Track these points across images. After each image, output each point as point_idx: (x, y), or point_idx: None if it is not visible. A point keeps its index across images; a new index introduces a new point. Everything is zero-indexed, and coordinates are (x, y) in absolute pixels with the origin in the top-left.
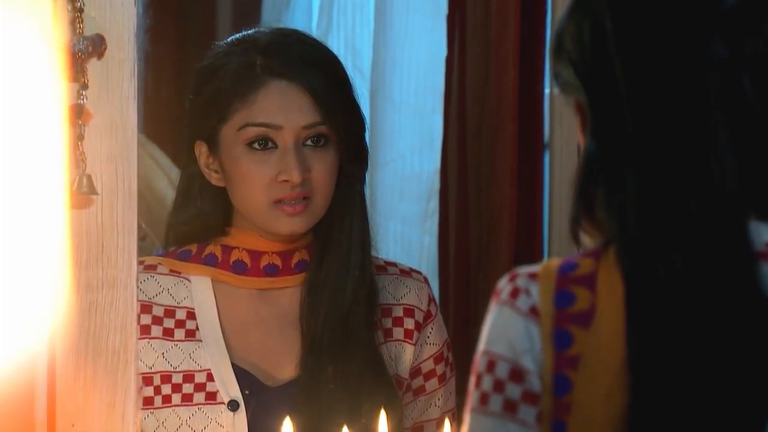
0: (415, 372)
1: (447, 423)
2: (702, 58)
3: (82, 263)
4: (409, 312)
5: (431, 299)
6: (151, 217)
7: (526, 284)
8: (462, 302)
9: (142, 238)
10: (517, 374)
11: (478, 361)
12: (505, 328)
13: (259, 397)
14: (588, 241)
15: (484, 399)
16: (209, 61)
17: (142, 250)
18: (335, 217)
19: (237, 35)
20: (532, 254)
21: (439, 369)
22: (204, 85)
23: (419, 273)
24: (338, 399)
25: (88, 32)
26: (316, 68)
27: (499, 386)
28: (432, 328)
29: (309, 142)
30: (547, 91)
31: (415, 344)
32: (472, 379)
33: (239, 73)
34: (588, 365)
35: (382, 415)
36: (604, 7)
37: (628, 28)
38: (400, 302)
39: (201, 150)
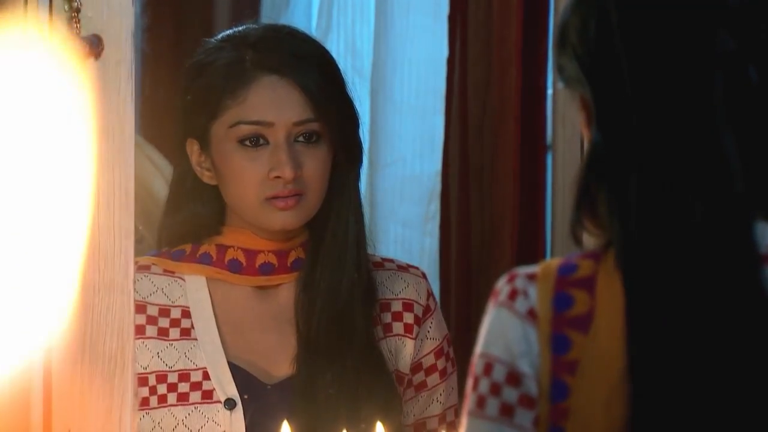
0: (416, 367)
1: None
2: (709, 52)
3: (79, 266)
4: (408, 306)
5: (430, 294)
6: (148, 219)
7: (525, 285)
8: (463, 305)
9: (139, 241)
10: (514, 378)
11: (476, 363)
12: (503, 331)
13: (255, 395)
14: (590, 241)
15: (481, 402)
16: (199, 57)
17: (140, 253)
18: (330, 215)
19: (227, 31)
20: (535, 256)
21: (440, 364)
22: (194, 82)
23: (417, 268)
24: (335, 395)
25: (85, 33)
26: (307, 63)
27: (496, 389)
28: (432, 323)
29: (301, 139)
30: (549, 91)
31: (415, 339)
32: (470, 381)
33: (229, 69)
34: (586, 371)
35: (379, 427)
36: (610, 1)
37: (634, 22)
38: (399, 297)
39: (192, 148)
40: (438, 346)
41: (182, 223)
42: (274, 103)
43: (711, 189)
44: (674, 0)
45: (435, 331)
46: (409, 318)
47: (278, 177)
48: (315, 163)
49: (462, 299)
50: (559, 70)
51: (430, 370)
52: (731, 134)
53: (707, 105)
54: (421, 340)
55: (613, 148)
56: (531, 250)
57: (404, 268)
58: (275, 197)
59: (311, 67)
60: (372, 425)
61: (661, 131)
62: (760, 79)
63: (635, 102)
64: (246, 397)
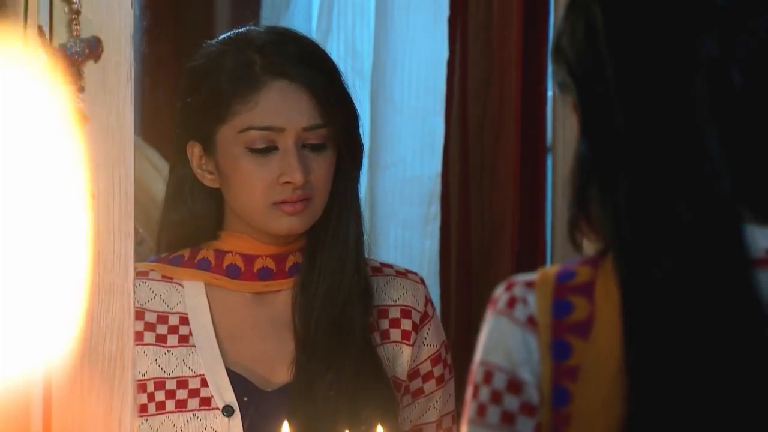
0: (413, 374)
1: None
2: (693, 56)
3: (79, 268)
4: (406, 313)
5: (428, 300)
6: (148, 222)
7: (524, 293)
8: (464, 308)
9: (139, 243)
10: (515, 386)
11: (475, 371)
12: (503, 339)
13: (254, 401)
14: (589, 245)
15: (481, 410)
16: (202, 60)
17: (139, 255)
18: (330, 218)
19: (229, 34)
20: (535, 258)
21: (437, 370)
22: (198, 86)
23: (415, 274)
24: (334, 400)
25: (84, 34)
26: (314, 67)
27: (496, 398)
28: (429, 329)
29: (309, 144)
30: (549, 93)
31: (412, 345)
32: (469, 390)
33: (237, 73)
34: (587, 376)
35: (380, 430)
36: (596, 6)
37: (619, 26)
38: (397, 303)
39: (194, 150)
40: (435, 352)
41: (180, 226)
42: (285, 108)
43: (697, 190)
44: (659, 4)
45: (432, 337)
46: (406, 325)
47: (288, 182)
48: (322, 168)
49: (462, 301)
50: (553, 75)
51: (427, 377)
52: (716, 136)
53: (691, 107)
54: (419, 346)
55: (600, 151)
56: (531, 251)
57: (402, 274)
58: (283, 202)
59: (318, 71)
60: (372, 428)
61: (647, 134)
62: (745, 82)
63: (620, 105)
64: (244, 404)
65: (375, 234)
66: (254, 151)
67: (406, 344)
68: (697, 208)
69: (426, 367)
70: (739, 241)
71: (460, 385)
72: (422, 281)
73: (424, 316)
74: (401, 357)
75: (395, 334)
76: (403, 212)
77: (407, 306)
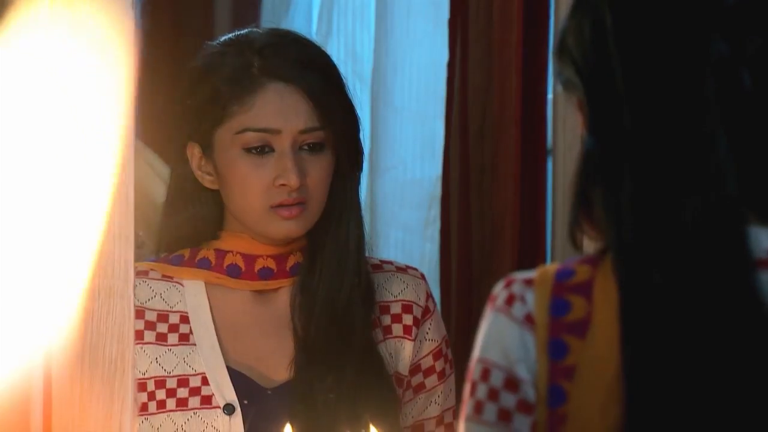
0: (415, 369)
1: None
2: (702, 56)
3: (79, 271)
4: (407, 308)
5: (429, 295)
6: (148, 225)
7: (522, 291)
8: (464, 311)
9: (139, 246)
10: (512, 383)
11: (473, 368)
12: (500, 336)
13: (254, 399)
14: (590, 245)
15: (478, 407)
16: (202, 61)
17: (140, 258)
18: (330, 220)
19: (230, 35)
20: (535, 261)
21: (439, 365)
22: (197, 87)
23: (416, 269)
24: (334, 404)
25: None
26: (313, 70)
27: (493, 395)
28: (431, 324)
29: (306, 147)
30: (550, 95)
31: (414, 340)
32: (467, 387)
33: (235, 75)
34: (583, 376)
35: (372, 431)
36: (605, 4)
37: (628, 25)
38: (398, 298)
39: (193, 152)
40: (437, 347)
41: (181, 227)
42: (282, 111)
43: (703, 190)
44: (669, 4)
45: (434, 332)
46: (408, 320)
47: (283, 185)
48: (319, 171)
49: (462, 304)
50: (558, 74)
51: (428, 372)
52: (724, 137)
53: (699, 108)
54: (420, 341)
55: (606, 150)
56: (532, 254)
57: (403, 270)
58: (280, 205)
59: (317, 74)
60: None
61: (654, 134)
62: (755, 83)
63: (628, 104)
64: (245, 402)
65: (375, 237)
66: (250, 153)
67: (408, 339)
68: (703, 209)
69: (428, 362)
70: (743, 242)
71: (460, 385)
72: (423, 276)
73: (426, 311)
74: (403, 352)
75: (397, 329)
76: (404, 215)
77: (408, 301)
